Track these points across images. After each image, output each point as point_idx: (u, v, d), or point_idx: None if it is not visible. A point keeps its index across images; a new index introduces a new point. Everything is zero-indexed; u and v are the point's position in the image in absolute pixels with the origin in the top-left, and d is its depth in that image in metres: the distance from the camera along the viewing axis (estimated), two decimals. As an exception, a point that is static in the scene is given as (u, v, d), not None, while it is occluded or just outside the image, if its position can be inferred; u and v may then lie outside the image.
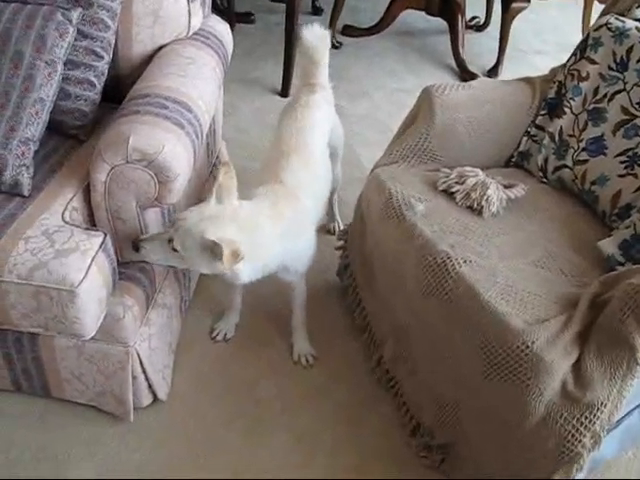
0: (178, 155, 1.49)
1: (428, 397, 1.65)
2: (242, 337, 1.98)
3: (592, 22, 1.95)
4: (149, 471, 1.64)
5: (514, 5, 3.28)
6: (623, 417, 1.53)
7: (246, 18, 3.79)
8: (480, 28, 3.92)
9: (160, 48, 1.83)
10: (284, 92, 3.15)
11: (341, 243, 2.09)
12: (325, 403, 1.82)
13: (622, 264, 1.55)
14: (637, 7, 1.83)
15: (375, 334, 1.87)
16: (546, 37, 3.90)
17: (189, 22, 1.87)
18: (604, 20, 1.81)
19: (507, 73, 3.43)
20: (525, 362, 1.35)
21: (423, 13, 3.60)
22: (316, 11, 3.90)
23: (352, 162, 2.58)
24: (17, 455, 1.65)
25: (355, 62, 3.53)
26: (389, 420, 1.78)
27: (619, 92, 1.74)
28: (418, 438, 1.69)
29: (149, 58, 1.81)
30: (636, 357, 1.31)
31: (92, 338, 1.49)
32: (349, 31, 3.74)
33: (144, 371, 1.65)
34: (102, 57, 1.68)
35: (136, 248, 1.54)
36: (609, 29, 1.77)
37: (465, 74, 3.39)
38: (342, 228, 2.20)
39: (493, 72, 3.46)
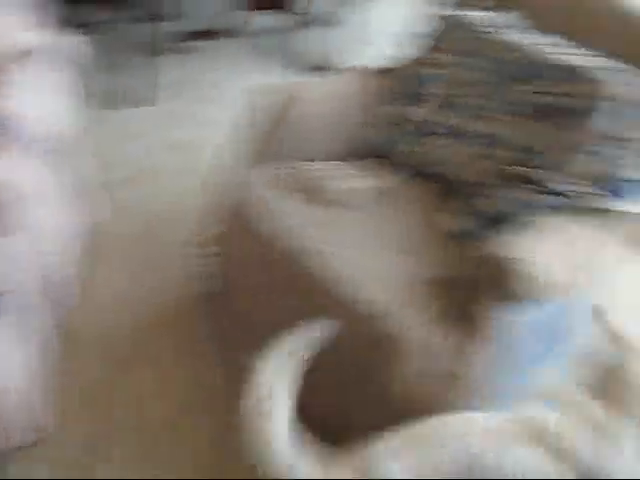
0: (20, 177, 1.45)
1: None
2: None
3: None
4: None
5: None
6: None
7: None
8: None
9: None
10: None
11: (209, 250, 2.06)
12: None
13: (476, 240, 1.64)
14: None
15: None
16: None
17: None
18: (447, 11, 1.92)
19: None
20: (387, 342, 1.43)
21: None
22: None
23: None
24: None
25: (207, 65, 3.55)
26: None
27: (473, 78, 1.82)
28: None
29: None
30: (484, 328, 1.42)
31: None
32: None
33: (23, 405, 1.59)
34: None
35: None
36: (453, 18, 1.89)
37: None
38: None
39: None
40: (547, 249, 1.44)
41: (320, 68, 3.48)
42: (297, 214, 1.68)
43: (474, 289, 1.43)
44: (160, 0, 3.34)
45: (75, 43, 1.97)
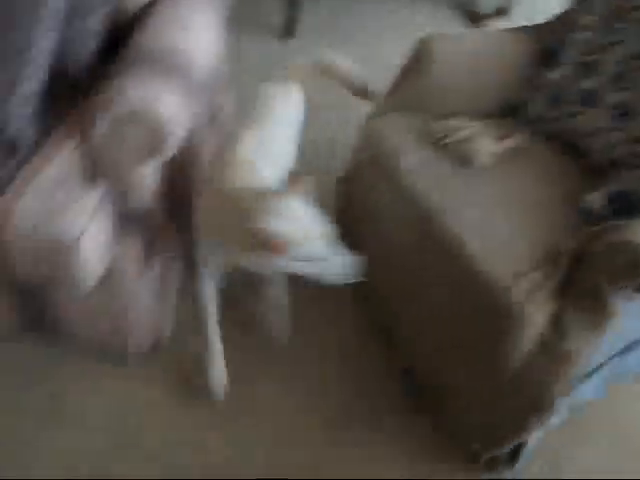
0: (174, 109, 1.52)
1: (421, 344, 1.74)
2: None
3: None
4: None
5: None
6: (601, 365, 1.61)
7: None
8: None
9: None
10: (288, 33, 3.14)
11: (338, 189, 2.11)
12: (314, 346, 1.91)
13: (606, 219, 1.57)
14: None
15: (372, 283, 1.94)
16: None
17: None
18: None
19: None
20: (505, 313, 1.42)
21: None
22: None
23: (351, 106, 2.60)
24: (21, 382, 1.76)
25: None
26: (379, 364, 1.87)
27: (615, 44, 1.71)
28: (407, 381, 1.79)
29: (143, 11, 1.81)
30: (609, 310, 1.37)
31: (95, 287, 1.57)
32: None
33: (146, 316, 1.74)
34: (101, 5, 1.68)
35: None
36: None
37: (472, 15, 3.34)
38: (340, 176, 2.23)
39: (502, 11, 3.37)
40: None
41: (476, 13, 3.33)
42: (426, 169, 1.68)
43: (602, 269, 1.38)
44: None
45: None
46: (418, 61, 1.79)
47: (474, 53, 1.83)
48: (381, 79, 1.89)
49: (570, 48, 1.79)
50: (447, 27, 3.23)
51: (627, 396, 1.89)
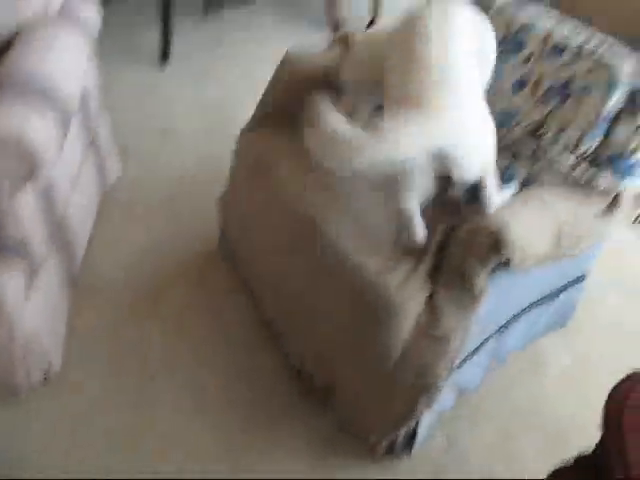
0: (44, 134, 1.52)
1: (308, 345, 1.80)
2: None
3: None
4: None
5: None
6: (481, 345, 1.73)
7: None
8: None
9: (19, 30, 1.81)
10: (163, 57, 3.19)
11: (219, 210, 2.15)
12: (213, 357, 1.94)
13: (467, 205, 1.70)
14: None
15: (255, 291, 1.99)
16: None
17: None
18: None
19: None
20: (380, 306, 1.50)
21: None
22: None
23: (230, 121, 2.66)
24: None
25: (234, 27, 3.56)
26: (274, 371, 1.92)
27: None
28: (301, 382, 1.84)
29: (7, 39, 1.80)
30: (477, 288, 1.48)
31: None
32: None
33: (32, 346, 1.70)
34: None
35: None
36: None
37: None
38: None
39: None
40: (531, 220, 1.51)
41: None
42: (298, 177, 1.75)
43: (466, 252, 1.49)
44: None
45: (92, 8, 2.03)
46: (281, 74, 1.88)
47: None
48: (254, 97, 1.96)
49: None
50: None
51: (516, 374, 2.01)
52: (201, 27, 3.55)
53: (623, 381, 1.22)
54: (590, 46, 1.72)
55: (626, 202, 1.67)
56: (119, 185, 2.44)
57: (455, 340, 1.52)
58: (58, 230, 1.82)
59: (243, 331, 2.00)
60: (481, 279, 1.48)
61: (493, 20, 1.75)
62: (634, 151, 1.67)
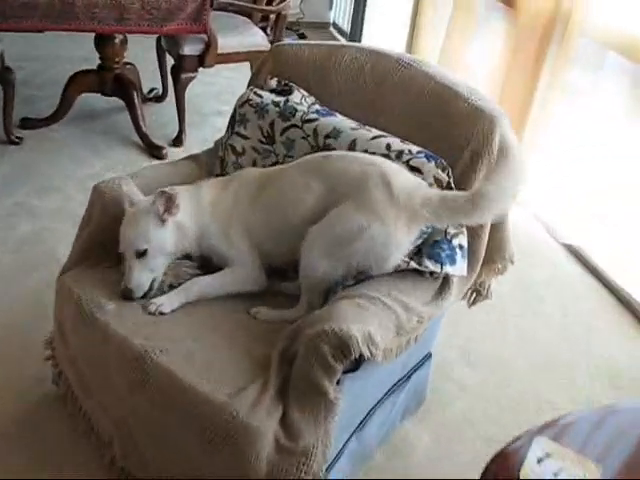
0: None
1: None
2: None
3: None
4: None
5: (183, 76, 3.47)
6: (343, 447, 1.69)
7: None
8: (159, 99, 4.05)
9: None
10: None
11: (49, 352, 2.00)
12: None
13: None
14: (270, 78, 2.03)
15: (101, 435, 1.83)
16: (225, 97, 4.14)
17: None
18: (245, 96, 1.98)
19: (191, 139, 3.63)
20: (235, 432, 1.42)
21: (99, 95, 3.62)
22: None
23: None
24: None
25: (39, 155, 3.42)
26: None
27: (274, 164, 1.91)
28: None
29: None
30: (329, 399, 1.46)
31: None
32: (28, 124, 3.61)
33: None
34: None
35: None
36: (251, 105, 1.94)
37: (151, 148, 3.49)
38: (48, 337, 2.10)
39: (177, 141, 3.61)
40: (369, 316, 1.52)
41: (155, 145, 3.48)
42: (128, 313, 1.67)
43: (311, 361, 1.46)
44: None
45: None
46: (95, 206, 1.81)
47: (149, 190, 1.85)
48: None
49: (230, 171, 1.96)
50: (138, 164, 3.31)
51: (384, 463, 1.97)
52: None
53: (492, 461, 1.22)
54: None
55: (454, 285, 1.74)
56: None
57: (317, 452, 1.46)
58: None
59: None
60: (331, 387, 1.46)
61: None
62: (452, 238, 1.72)
